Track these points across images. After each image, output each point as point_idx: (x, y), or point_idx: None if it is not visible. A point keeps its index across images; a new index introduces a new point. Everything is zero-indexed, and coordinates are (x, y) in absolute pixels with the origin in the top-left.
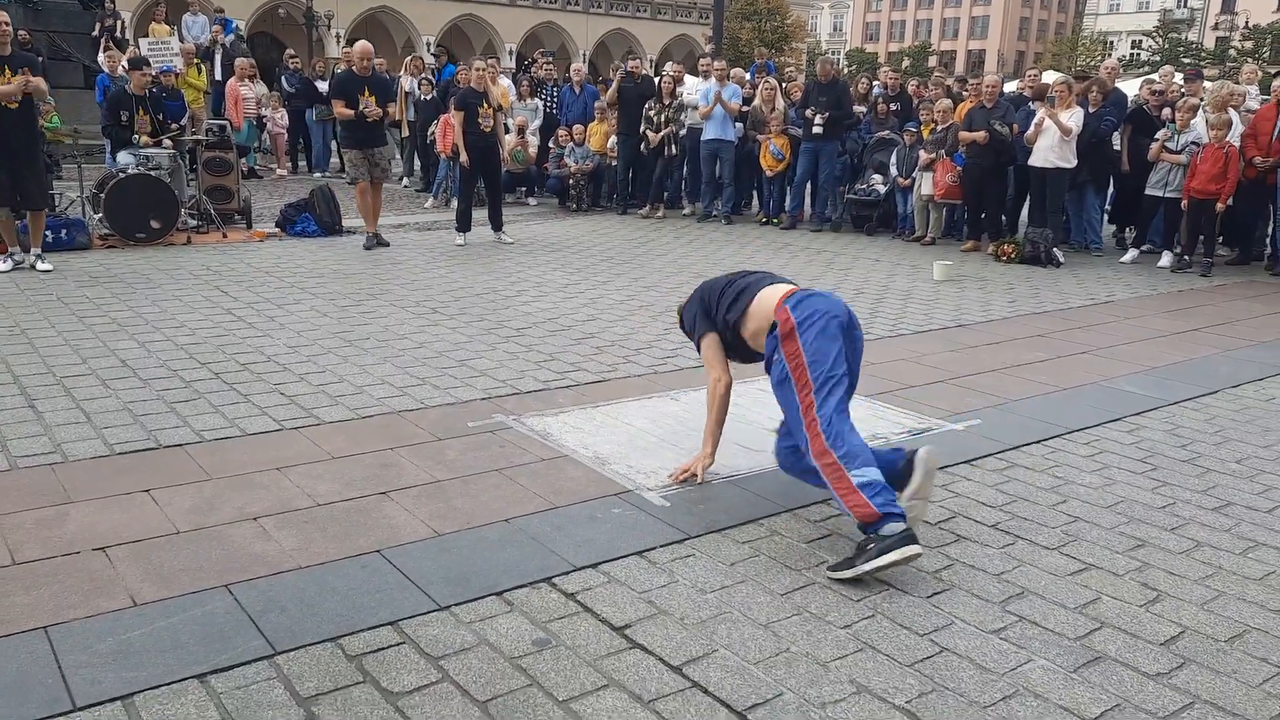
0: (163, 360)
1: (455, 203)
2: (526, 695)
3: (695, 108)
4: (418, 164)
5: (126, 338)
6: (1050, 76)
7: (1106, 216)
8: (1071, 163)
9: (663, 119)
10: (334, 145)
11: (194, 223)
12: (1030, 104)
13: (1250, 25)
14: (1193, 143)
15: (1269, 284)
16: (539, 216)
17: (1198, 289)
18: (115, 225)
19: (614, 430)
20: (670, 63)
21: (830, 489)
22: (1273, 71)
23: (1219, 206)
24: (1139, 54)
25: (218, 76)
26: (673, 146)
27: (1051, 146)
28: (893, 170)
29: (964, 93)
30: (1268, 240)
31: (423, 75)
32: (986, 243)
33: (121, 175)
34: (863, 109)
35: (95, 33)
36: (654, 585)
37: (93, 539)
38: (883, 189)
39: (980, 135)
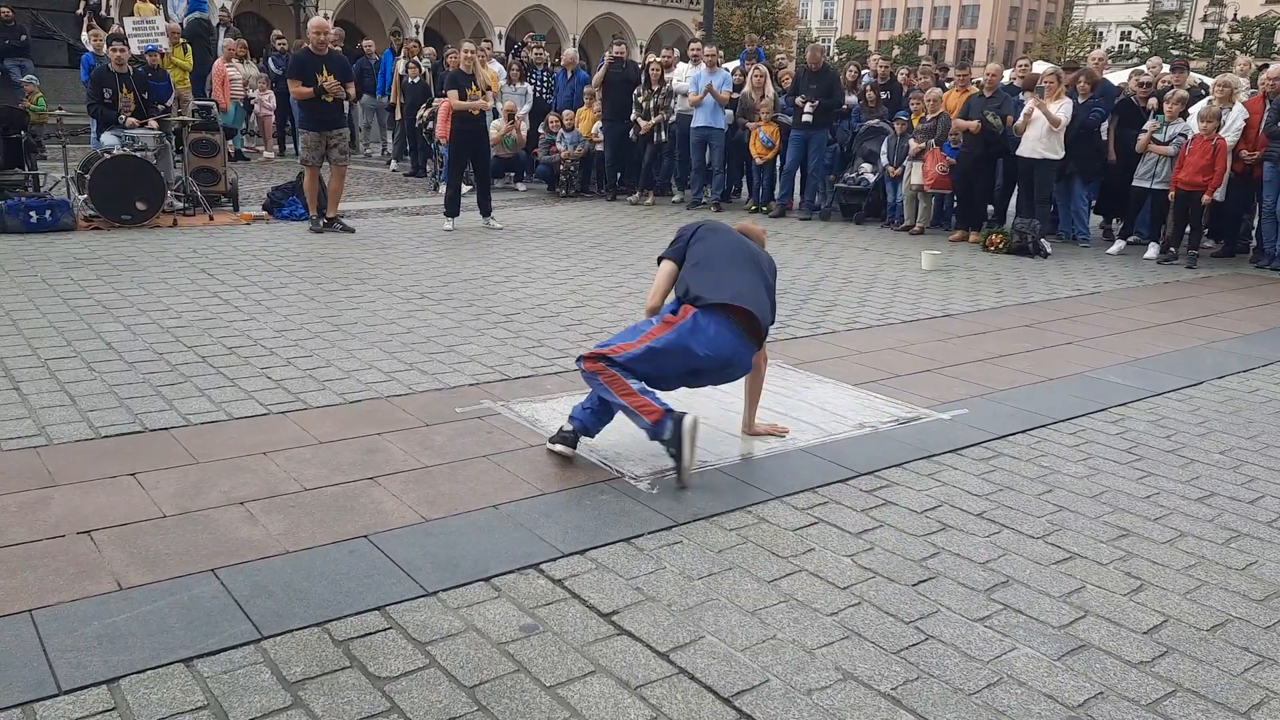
0: (148, 343)
1: (444, 187)
2: (514, 681)
3: (685, 94)
4: (407, 147)
5: (112, 320)
6: (1040, 67)
7: (1093, 207)
8: (1059, 153)
9: (652, 105)
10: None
11: (180, 205)
12: (1021, 94)
13: (1239, 17)
14: (1180, 134)
15: (1253, 276)
16: (528, 202)
17: (1183, 281)
18: (100, 206)
19: None
20: (662, 49)
21: (613, 395)
22: (1259, 65)
23: (1206, 199)
24: (1128, 45)
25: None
26: (662, 133)
27: (1040, 137)
28: (883, 159)
29: (946, 83)
30: (1252, 233)
31: (413, 58)
32: (967, 233)
33: (107, 156)
34: (853, 98)
35: (80, 10)
36: (641, 572)
37: (78, 522)
38: (872, 178)
39: (973, 125)
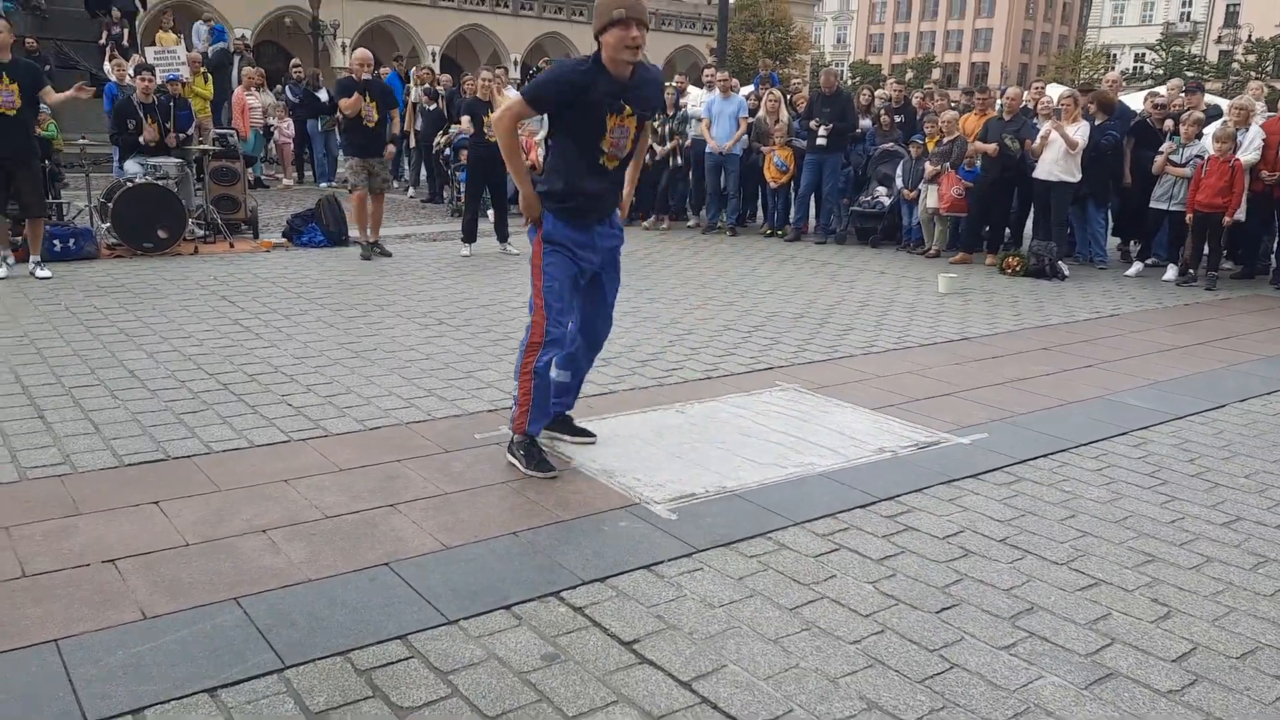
0: (171, 371)
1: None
2: (536, 710)
3: (699, 119)
4: (424, 175)
5: (134, 348)
6: (1054, 89)
7: (1111, 230)
8: (1076, 176)
9: (667, 130)
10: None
11: (201, 232)
12: (1036, 118)
13: (1253, 38)
14: (1197, 155)
15: (1274, 298)
16: None
17: (1203, 303)
18: (123, 235)
19: (620, 443)
20: (676, 75)
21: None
22: (1271, 84)
23: (1226, 220)
24: (1142, 67)
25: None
26: (677, 158)
27: (1056, 160)
28: (898, 182)
29: (971, 104)
30: (1272, 255)
31: (424, 86)
32: (983, 256)
33: (129, 185)
34: (866, 121)
35: (102, 40)
36: (662, 599)
37: (102, 551)
38: (887, 201)
39: (991, 148)
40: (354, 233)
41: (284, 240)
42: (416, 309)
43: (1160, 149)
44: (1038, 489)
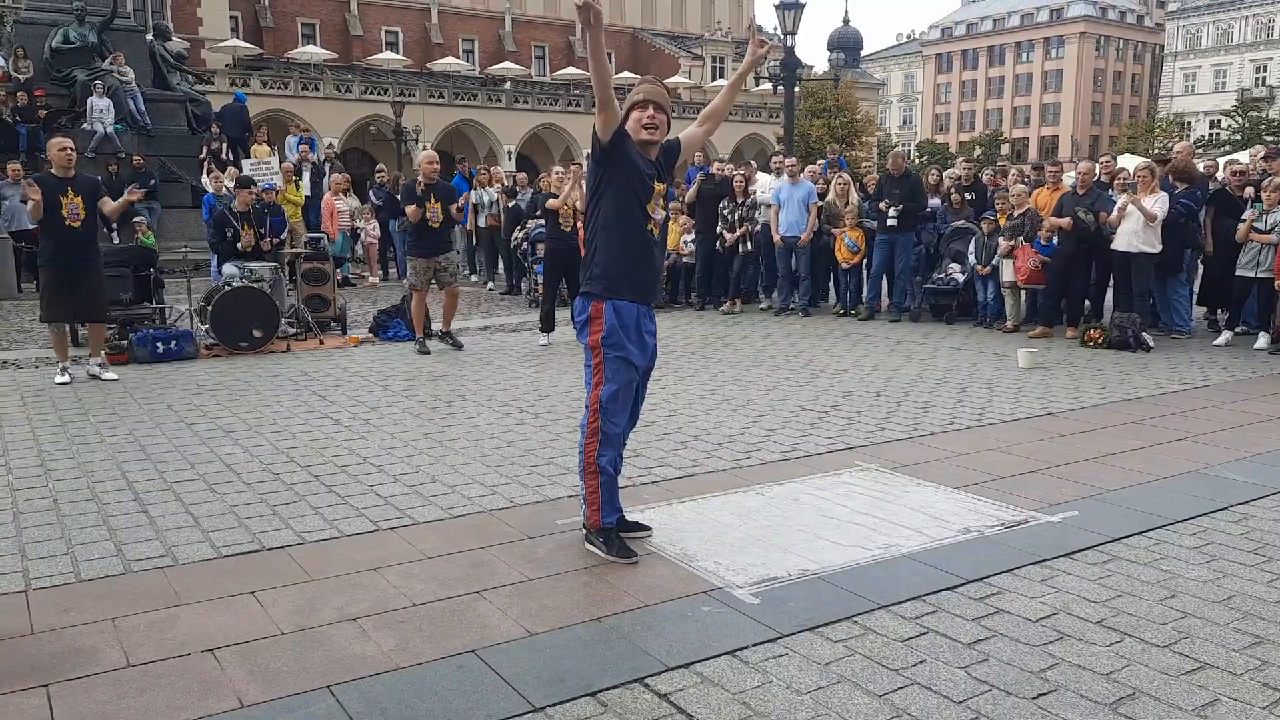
0: (265, 464)
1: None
2: None
3: (768, 205)
4: (501, 267)
5: (231, 443)
6: (1127, 160)
7: (1195, 299)
8: (1156, 247)
9: (737, 218)
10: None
11: (293, 330)
12: (1110, 190)
13: None
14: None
15: None
16: None
17: None
18: (220, 335)
19: (700, 526)
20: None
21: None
22: None
23: None
24: (1218, 133)
25: (307, 192)
26: (749, 243)
27: (1135, 231)
28: (971, 259)
29: (1042, 179)
30: None
31: (493, 185)
32: (1063, 329)
33: (227, 288)
34: (935, 200)
35: (201, 156)
36: (748, 686)
37: (202, 641)
38: (961, 278)
39: (1065, 222)
40: (437, 326)
41: (370, 336)
42: (497, 398)
43: (1243, 216)
44: (1134, 568)
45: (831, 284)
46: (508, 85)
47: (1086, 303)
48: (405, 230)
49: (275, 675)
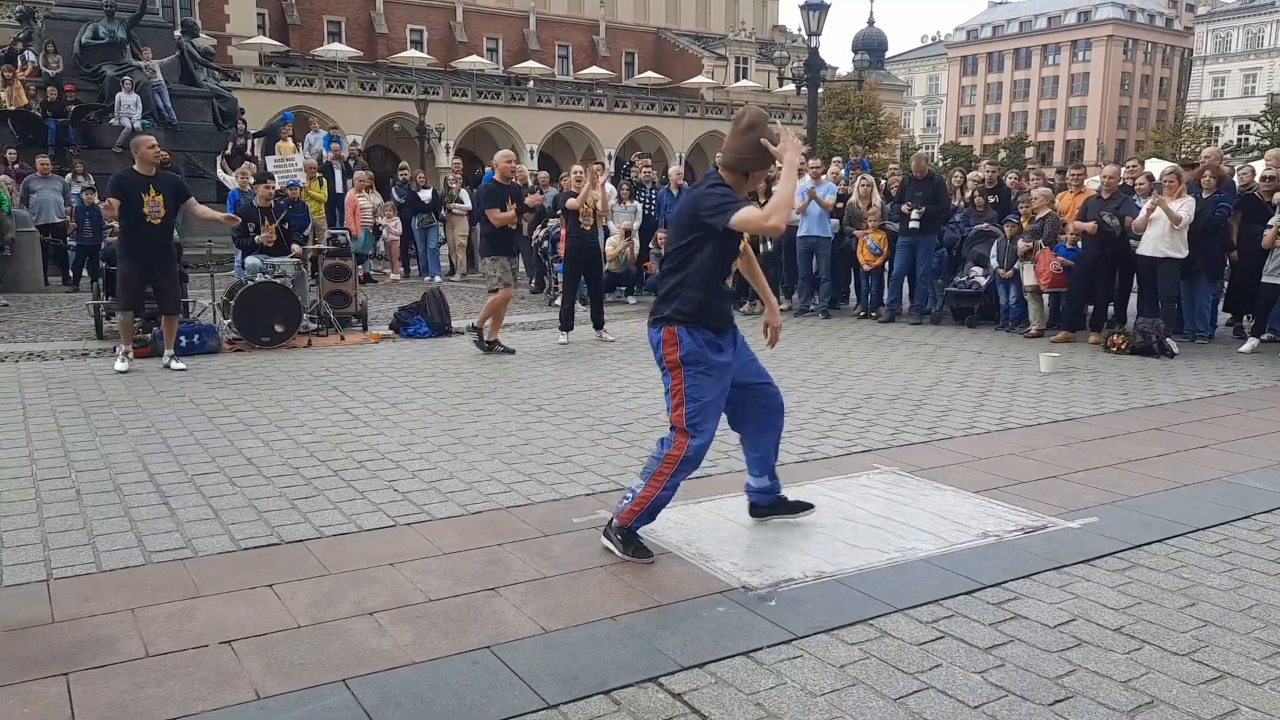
0: (285, 458)
1: (559, 302)
2: None
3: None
4: (521, 266)
5: (252, 437)
6: (1154, 165)
7: (1221, 305)
8: (1183, 252)
9: None
10: (443, 250)
11: (314, 326)
12: (1135, 195)
13: None
14: None
15: None
16: (639, 315)
17: None
18: (242, 330)
19: (717, 527)
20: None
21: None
22: None
23: None
24: (1247, 139)
25: (339, 189)
26: (768, 243)
27: (1161, 236)
28: (993, 262)
29: (1066, 183)
30: None
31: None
32: (1086, 334)
33: (249, 283)
34: (958, 203)
35: (228, 151)
36: (762, 687)
37: (220, 632)
38: (983, 281)
39: (1089, 226)
40: (458, 323)
41: (391, 332)
42: (516, 396)
43: (1270, 222)
44: (1154, 575)
45: (852, 286)
46: (531, 84)
47: (1110, 308)
48: (425, 227)
49: (291, 668)
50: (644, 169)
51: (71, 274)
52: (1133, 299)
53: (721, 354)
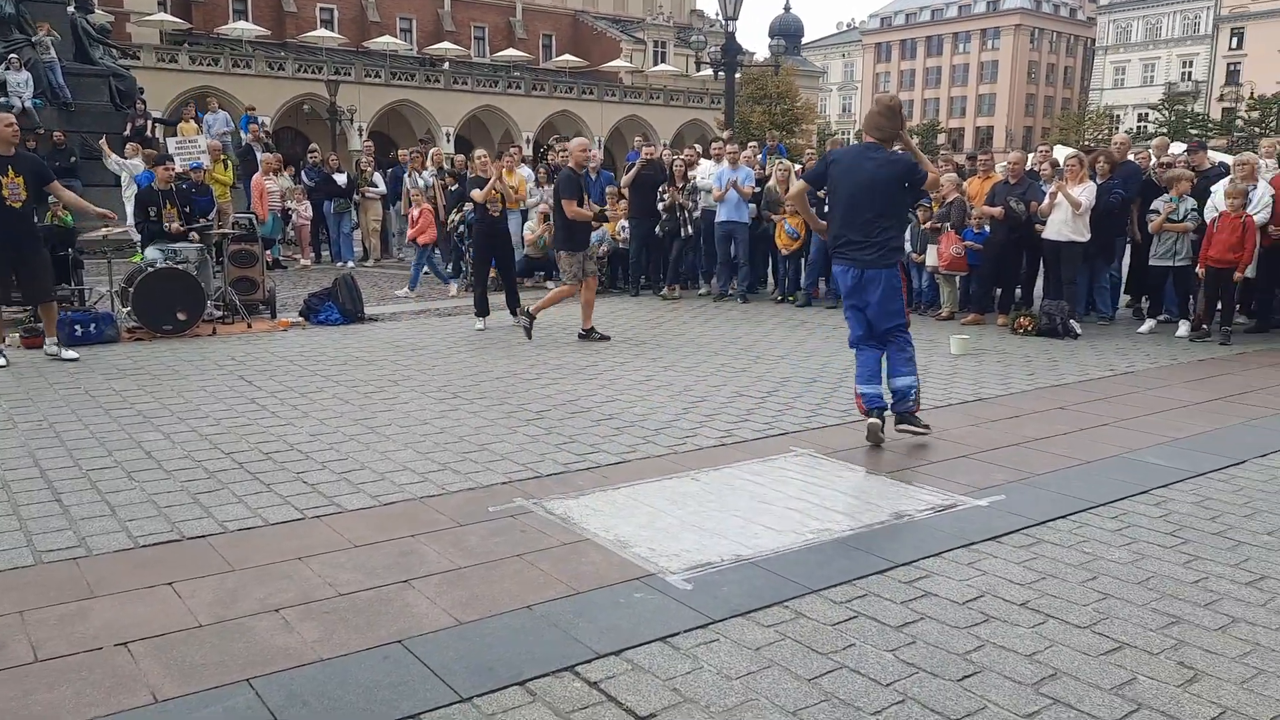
0: (187, 451)
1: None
2: None
3: (708, 190)
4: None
5: (152, 429)
6: (1060, 151)
7: (1122, 287)
8: (1085, 236)
9: (677, 202)
10: (356, 235)
11: (219, 313)
12: (1041, 181)
13: (1255, 95)
14: (1192, 209)
15: None
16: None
17: (1218, 358)
18: (142, 318)
19: (635, 512)
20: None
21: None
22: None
23: (1238, 276)
24: (1146, 126)
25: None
26: (688, 228)
27: (1064, 220)
28: (906, 246)
29: (974, 169)
30: None
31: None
32: (994, 316)
33: (149, 269)
34: None
35: (127, 133)
36: (678, 672)
37: (115, 634)
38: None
39: (997, 211)
40: (370, 309)
41: (301, 319)
42: (431, 383)
43: (1154, 206)
44: (1058, 551)
45: (770, 270)
46: (446, 66)
47: (1017, 291)
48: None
49: (192, 669)
50: (560, 153)
51: None
52: (1039, 282)
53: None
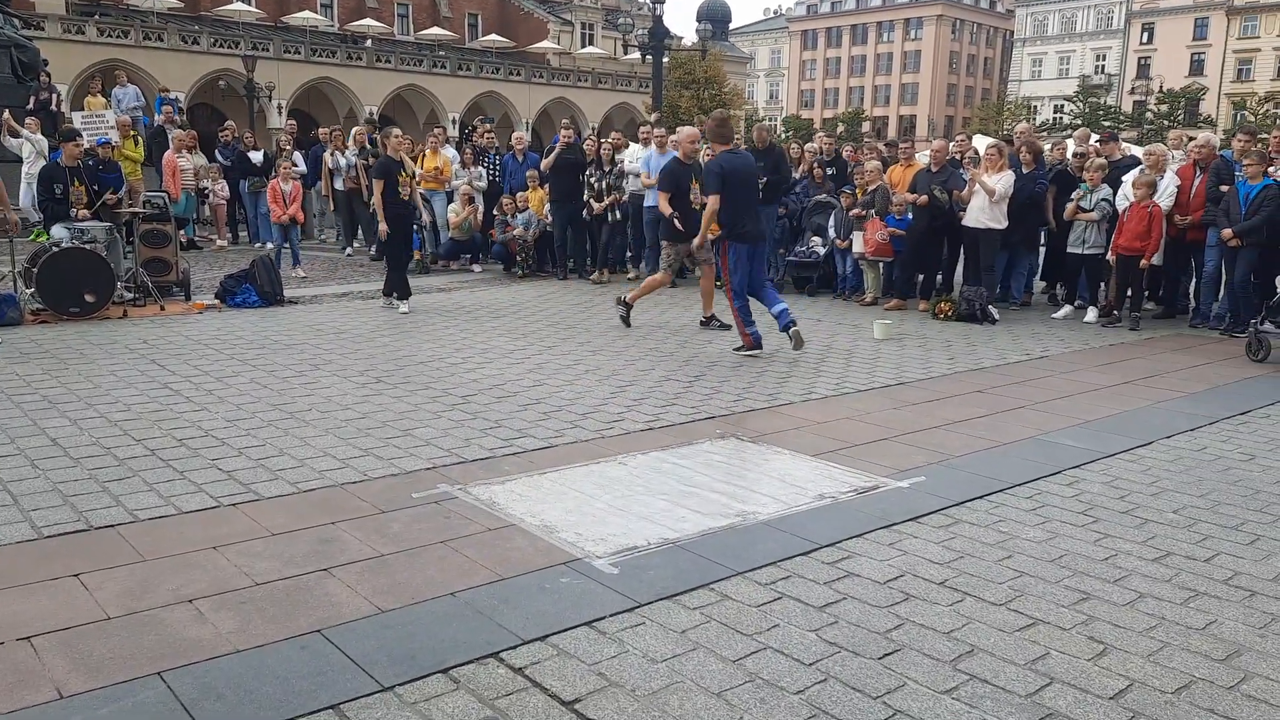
0: (95, 438)
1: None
2: None
3: (636, 175)
4: (361, 233)
5: (58, 415)
6: (979, 141)
7: (1038, 274)
8: (1002, 223)
9: (605, 186)
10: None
11: (130, 295)
12: (963, 169)
13: (1164, 89)
14: (1103, 199)
15: (1193, 337)
16: (484, 283)
17: (1128, 343)
18: (48, 300)
19: (562, 497)
20: (613, 132)
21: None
22: (1191, 136)
23: (1144, 263)
24: (1061, 118)
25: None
26: (616, 213)
27: (983, 208)
28: (831, 232)
29: (896, 156)
30: (1190, 294)
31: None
32: (917, 302)
33: (55, 249)
34: (798, 174)
35: (31, 106)
36: (604, 656)
37: (16, 628)
38: (822, 250)
39: (921, 199)
40: (289, 292)
41: (217, 302)
42: (353, 368)
43: (1070, 196)
44: (975, 530)
45: None
46: (368, 43)
47: (939, 277)
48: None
49: (100, 663)
50: (486, 134)
51: None
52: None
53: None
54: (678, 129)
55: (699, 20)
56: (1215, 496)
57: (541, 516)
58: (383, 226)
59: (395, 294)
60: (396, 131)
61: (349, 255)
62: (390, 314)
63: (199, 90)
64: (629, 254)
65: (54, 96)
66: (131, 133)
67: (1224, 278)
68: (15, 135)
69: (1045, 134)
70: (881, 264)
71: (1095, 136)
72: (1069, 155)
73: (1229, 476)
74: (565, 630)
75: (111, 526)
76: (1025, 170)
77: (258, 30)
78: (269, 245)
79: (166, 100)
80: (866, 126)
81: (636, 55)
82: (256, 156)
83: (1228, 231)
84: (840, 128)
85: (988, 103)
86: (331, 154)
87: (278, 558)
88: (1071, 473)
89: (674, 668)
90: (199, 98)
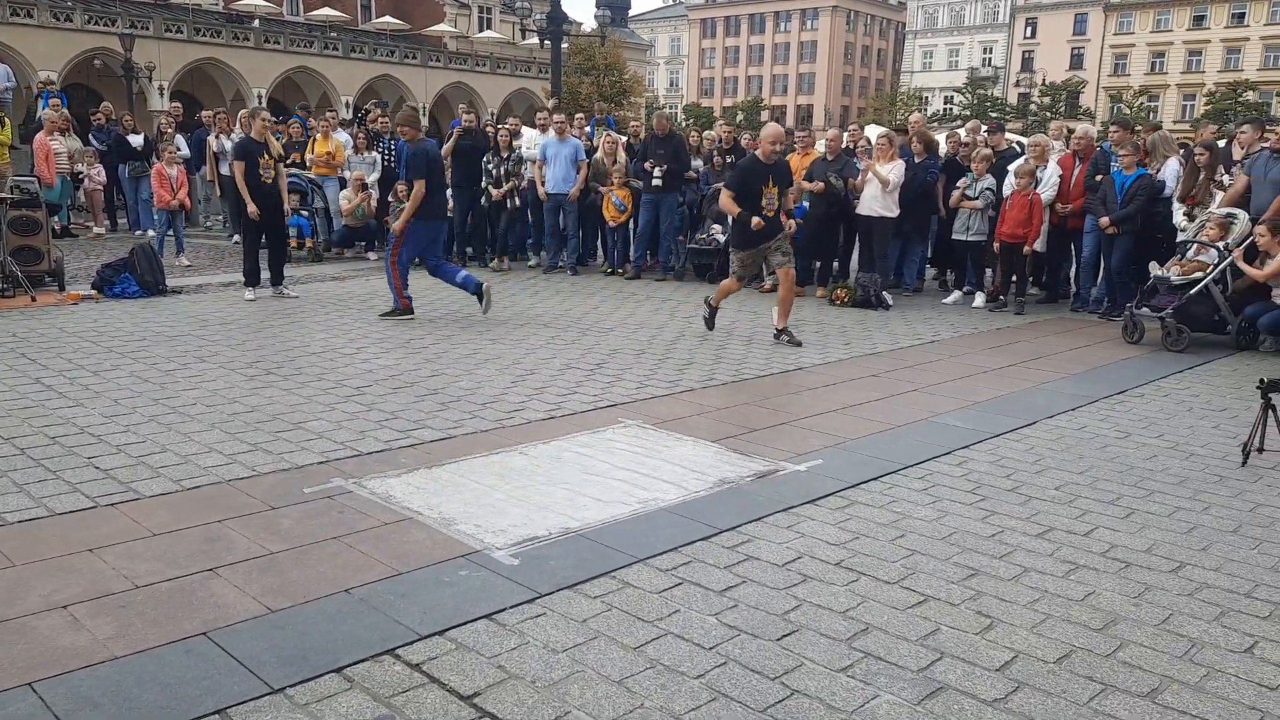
0: None
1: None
2: None
3: (534, 161)
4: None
5: None
6: (872, 130)
7: (930, 261)
8: (894, 212)
9: (503, 172)
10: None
11: None
12: (856, 158)
13: (1047, 82)
14: (987, 188)
15: (1074, 320)
16: (380, 271)
17: (1013, 327)
18: None
19: (460, 489)
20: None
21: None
22: (1071, 128)
23: (1027, 250)
24: (951, 109)
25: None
26: (515, 199)
27: (876, 196)
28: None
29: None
30: (1071, 280)
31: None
32: (814, 288)
33: None
34: (698, 161)
35: None
36: (504, 649)
37: None
38: (722, 238)
39: (818, 186)
40: (172, 281)
41: (94, 292)
42: (240, 359)
43: (956, 184)
44: (869, 511)
45: (599, 243)
46: (256, 23)
47: (835, 263)
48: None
49: None
50: (380, 119)
51: None
52: (855, 256)
53: None
54: (764, 127)
55: (598, 6)
56: (1094, 473)
57: (440, 509)
58: (251, 207)
59: (245, 280)
60: (265, 114)
61: (235, 243)
62: (282, 303)
63: (73, 70)
64: (529, 240)
65: None
66: (0, 115)
67: (1102, 264)
68: None
69: (936, 124)
70: None
71: (985, 127)
72: (961, 145)
73: (1106, 454)
74: (464, 624)
75: None
76: (917, 160)
77: (136, 8)
78: (150, 233)
79: (53, 95)
80: (765, 115)
81: (535, 40)
82: (136, 140)
83: (1105, 220)
84: (740, 116)
85: (882, 93)
86: (216, 137)
87: (160, 559)
88: (961, 453)
89: (575, 657)
90: (73, 78)
